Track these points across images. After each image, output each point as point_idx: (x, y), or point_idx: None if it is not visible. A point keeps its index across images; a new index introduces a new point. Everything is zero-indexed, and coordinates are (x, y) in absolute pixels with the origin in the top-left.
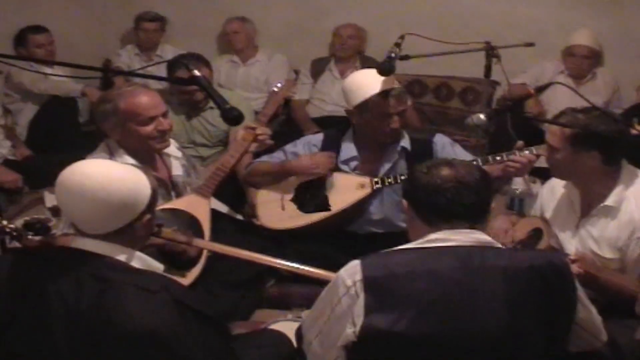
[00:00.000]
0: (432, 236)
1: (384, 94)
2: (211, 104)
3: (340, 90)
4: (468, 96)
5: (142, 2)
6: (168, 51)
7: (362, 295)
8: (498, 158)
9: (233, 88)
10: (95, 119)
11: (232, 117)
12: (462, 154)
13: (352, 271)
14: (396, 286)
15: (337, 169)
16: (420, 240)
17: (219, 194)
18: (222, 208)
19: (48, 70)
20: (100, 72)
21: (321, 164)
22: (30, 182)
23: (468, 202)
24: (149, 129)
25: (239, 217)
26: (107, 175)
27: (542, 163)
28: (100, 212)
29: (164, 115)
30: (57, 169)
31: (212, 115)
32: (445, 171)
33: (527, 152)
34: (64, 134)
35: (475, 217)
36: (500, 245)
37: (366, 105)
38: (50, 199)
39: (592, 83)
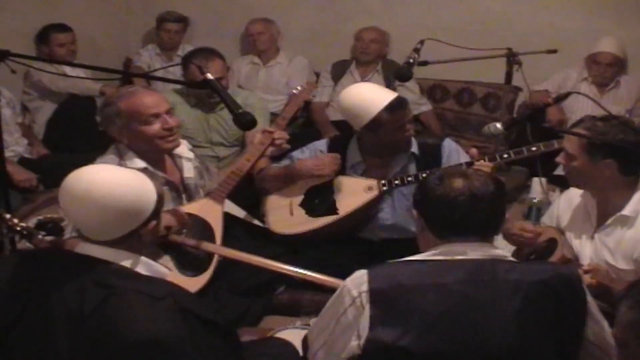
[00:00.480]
0: (442, 248)
1: (391, 107)
2: None
3: None
4: (489, 102)
5: (165, 2)
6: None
7: (367, 307)
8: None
9: (253, 89)
10: (102, 125)
11: (245, 121)
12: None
13: (358, 281)
14: (403, 299)
15: (343, 173)
16: (429, 252)
17: (237, 198)
18: (239, 213)
19: (68, 69)
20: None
21: (326, 165)
22: (46, 181)
23: (482, 217)
24: (155, 128)
25: (257, 222)
26: (112, 182)
27: (562, 171)
28: (106, 220)
29: (168, 112)
30: (73, 169)
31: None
32: (458, 183)
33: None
34: (81, 133)
35: (488, 231)
36: (511, 258)
37: (377, 123)
38: None
39: (615, 91)
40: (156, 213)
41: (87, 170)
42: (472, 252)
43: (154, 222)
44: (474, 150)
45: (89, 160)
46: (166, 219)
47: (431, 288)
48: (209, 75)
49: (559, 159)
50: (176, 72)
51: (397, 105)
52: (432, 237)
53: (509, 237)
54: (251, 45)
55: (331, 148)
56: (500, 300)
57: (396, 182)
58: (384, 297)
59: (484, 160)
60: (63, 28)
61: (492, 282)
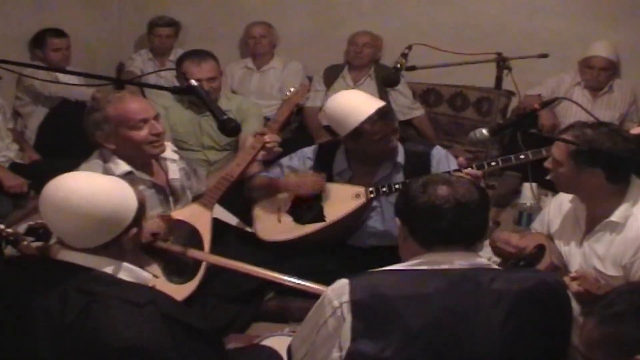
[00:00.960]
0: (425, 258)
1: (373, 119)
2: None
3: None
4: (483, 106)
5: (158, 7)
6: None
7: (348, 319)
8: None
9: (246, 94)
10: (87, 131)
11: (229, 128)
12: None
13: (339, 292)
14: (384, 310)
15: (331, 179)
16: (412, 262)
17: (229, 204)
18: (230, 219)
19: (60, 74)
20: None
21: (308, 186)
22: (37, 187)
23: (467, 225)
24: (143, 133)
25: (249, 229)
26: (91, 190)
27: None
28: (86, 227)
29: (156, 118)
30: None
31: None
32: (443, 190)
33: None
34: (73, 139)
35: (473, 239)
36: (495, 267)
37: (359, 133)
38: None
39: (608, 95)
40: (137, 220)
41: (66, 178)
42: (456, 261)
43: (134, 230)
44: (461, 159)
45: (79, 165)
46: (154, 225)
47: (413, 299)
48: (193, 82)
49: (547, 164)
50: (168, 76)
51: (380, 117)
52: (416, 246)
53: (493, 247)
54: (250, 48)
55: (319, 154)
56: (484, 311)
57: (383, 189)
58: (365, 308)
59: (472, 168)
60: (59, 33)
61: (475, 292)
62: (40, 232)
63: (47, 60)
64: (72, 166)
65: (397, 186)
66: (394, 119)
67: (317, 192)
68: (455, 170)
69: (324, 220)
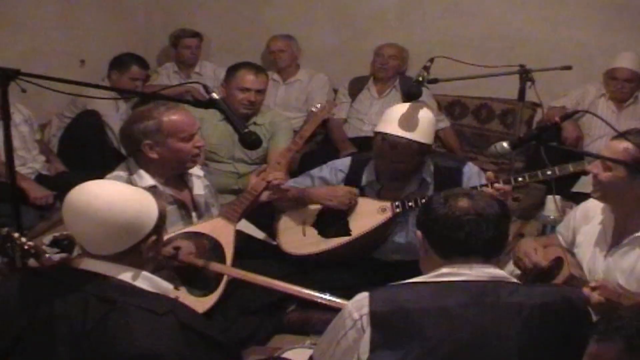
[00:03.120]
0: (445, 270)
1: (387, 138)
2: (255, 119)
3: (378, 110)
4: (507, 118)
5: (185, 20)
6: (207, 68)
7: (368, 330)
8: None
9: (272, 106)
10: (129, 138)
11: (250, 141)
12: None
13: (359, 304)
14: (404, 323)
15: (361, 191)
16: (431, 274)
17: (252, 220)
18: (259, 234)
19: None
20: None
21: (338, 198)
22: (62, 198)
23: (487, 237)
24: (189, 145)
25: (274, 242)
26: (113, 196)
27: (581, 188)
28: (106, 233)
29: (198, 132)
30: None
31: (256, 131)
32: (464, 203)
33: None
34: (93, 151)
35: (492, 252)
36: (515, 280)
37: (375, 138)
38: None
39: (634, 107)
40: (157, 229)
41: (90, 184)
42: (475, 273)
43: (154, 238)
44: (490, 174)
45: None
46: (180, 244)
47: (433, 311)
48: (215, 95)
49: (591, 168)
50: (192, 88)
51: (390, 145)
52: (436, 258)
53: (515, 258)
54: (272, 62)
55: (351, 168)
56: (502, 324)
57: (409, 204)
58: (384, 320)
59: (499, 184)
60: (143, 64)
61: (494, 306)
62: (65, 243)
63: (121, 84)
64: (98, 178)
65: (423, 201)
66: (402, 152)
67: (348, 206)
68: (483, 185)
69: (350, 234)
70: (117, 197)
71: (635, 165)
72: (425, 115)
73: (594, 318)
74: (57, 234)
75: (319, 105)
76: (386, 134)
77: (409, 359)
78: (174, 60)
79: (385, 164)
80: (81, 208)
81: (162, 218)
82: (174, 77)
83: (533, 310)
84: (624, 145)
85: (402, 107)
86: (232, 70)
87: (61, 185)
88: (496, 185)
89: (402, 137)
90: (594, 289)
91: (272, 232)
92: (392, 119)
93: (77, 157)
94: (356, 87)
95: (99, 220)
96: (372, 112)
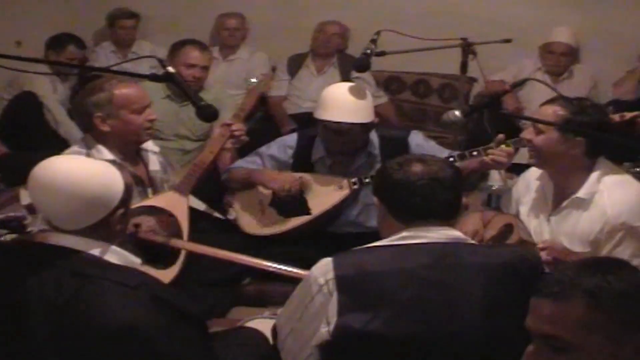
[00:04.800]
0: (405, 233)
1: (330, 125)
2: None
3: (317, 87)
4: (445, 93)
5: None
6: (144, 47)
7: (335, 294)
8: (475, 153)
9: (211, 83)
10: (81, 111)
11: (207, 113)
12: (438, 151)
13: (324, 269)
14: (369, 285)
15: (311, 167)
16: (392, 238)
17: (196, 191)
18: (200, 206)
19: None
20: (78, 69)
21: (279, 182)
22: (6, 180)
23: (442, 199)
24: (141, 118)
25: (217, 214)
26: (78, 171)
27: (520, 159)
28: (73, 207)
29: (150, 106)
30: (33, 167)
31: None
32: (417, 167)
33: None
34: (33, 132)
35: (449, 214)
36: (473, 241)
37: (320, 123)
38: (25, 197)
39: (569, 80)
40: (124, 202)
41: (54, 160)
42: (435, 235)
43: (121, 211)
44: (501, 136)
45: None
46: (141, 220)
47: (397, 273)
48: (171, 69)
49: (526, 134)
50: (131, 69)
51: (335, 131)
52: (395, 222)
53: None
54: (223, 39)
55: (300, 143)
56: (465, 283)
57: (366, 180)
58: (350, 284)
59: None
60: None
61: (456, 266)
62: (13, 224)
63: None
64: (41, 158)
65: None
66: (349, 134)
67: (287, 192)
68: (487, 148)
69: (310, 213)
70: (83, 171)
71: (565, 124)
72: (362, 94)
73: None
74: (2, 216)
75: (255, 79)
76: (327, 121)
77: (377, 320)
78: (111, 39)
79: (332, 145)
80: (47, 184)
81: (128, 191)
82: (111, 56)
83: (493, 269)
84: (553, 108)
85: (338, 90)
86: (177, 47)
87: (4, 166)
88: (499, 148)
89: (344, 123)
90: (542, 249)
91: (222, 207)
92: (330, 105)
93: (17, 139)
94: (295, 64)
95: (66, 195)
96: (311, 89)
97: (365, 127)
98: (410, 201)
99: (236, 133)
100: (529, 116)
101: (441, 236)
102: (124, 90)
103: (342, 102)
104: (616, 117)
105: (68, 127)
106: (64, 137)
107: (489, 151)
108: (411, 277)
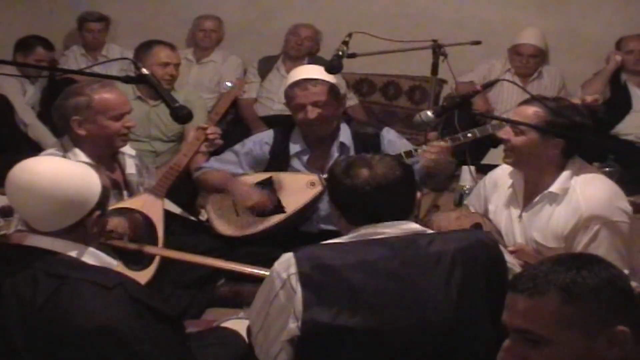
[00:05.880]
0: (362, 230)
1: (295, 84)
2: None
3: None
4: (415, 95)
5: (89, 3)
6: (114, 50)
7: (299, 290)
8: (419, 151)
9: (184, 86)
10: (59, 113)
11: (181, 115)
12: (409, 147)
13: (286, 264)
14: (332, 279)
15: (287, 163)
16: (351, 234)
17: (171, 194)
18: (175, 209)
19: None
20: (48, 72)
21: (251, 201)
22: None
23: (391, 204)
24: (119, 125)
25: (192, 218)
26: (55, 172)
27: (490, 160)
28: (50, 209)
29: (129, 113)
30: (4, 170)
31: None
32: (364, 173)
33: (442, 141)
34: (4, 135)
35: (401, 214)
36: (430, 231)
37: (287, 97)
38: None
39: (538, 81)
40: (100, 204)
41: (31, 161)
42: (392, 230)
43: (98, 213)
44: (434, 134)
45: (20, 162)
46: (114, 224)
47: (358, 267)
48: (145, 70)
49: (503, 134)
50: (101, 72)
51: (304, 83)
52: (349, 225)
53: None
54: (199, 40)
55: (277, 139)
56: (426, 273)
57: None
58: (313, 279)
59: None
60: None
61: (415, 256)
62: None
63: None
64: (14, 161)
65: None
66: (319, 94)
67: (252, 209)
68: (420, 145)
69: (284, 212)
70: (60, 172)
71: (546, 127)
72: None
73: (507, 258)
74: None
75: (229, 83)
76: (298, 80)
77: (343, 314)
78: (80, 43)
79: (300, 117)
80: (24, 185)
81: (105, 193)
82: (81, 59)
83: (452, 256)
84: (533, 109)
85: (303, 67)
86: (145, 49)
87: None
88: (433, 143)
89: (312, 79)
90: (512, 252)
91: (194, 209)
92: (298, 72)
93: None
94: (265, 67)
95: (43, 196)
96: (281, 92)
97: (334, 90)
98: (359, 207)
99: (211, 136)
100: (502, 116)
101: (398, 230)
102: (104, 96)
103: (311, 68)
104: (577, 100)
105: (37, 130)
106: (33, 139)
107: (422, 147)
108: (372, 270)
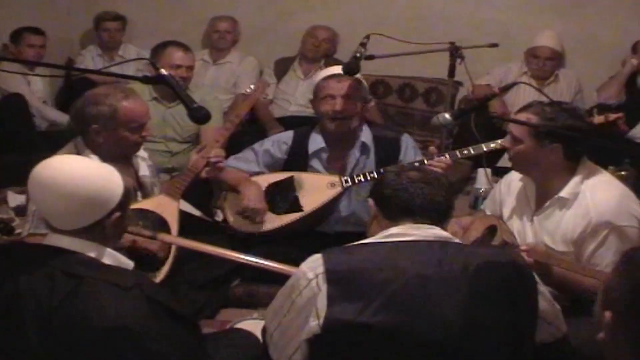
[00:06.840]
0: (393, 230)
1: (331, 76)
2: None
3: (304, 90)
4: (431, 97)
5: (107, 3)
6: (130, 51)
7: (324, 288)
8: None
9: (200, 87)
10: (79, 118)
11: (200, 116)
12: (419, 158)
13: (314, 265)
14: (358, 278)
15: (306, 163)
16: (380, 235)
17: (187, 195)
18: (192, 210)
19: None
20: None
21: (251, 206)
22: None
23: (433, 203)
24: (136, 136)
25: (204, 217)
26: (79, 170)
27: (506, 163)
28: (71, 207)
29: (147, 122)
30: (20, 169)
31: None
32: (413, 173)
33: (442, 157)
34: (19, 134)
35: (438, 217)
36: (458, 241)
37: (315, 92)
38: (13, 199)
39: (554, 85)
40: (121, 205)
41: (55, 159)
42: (422, 233)
43: (118, 214)
44: (432, 148)
45: (36, 161)
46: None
47: (384, 268)
48: (163, 71)
49: (504, 143)
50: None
51: (333, 76)
52: (384, 221)
53: None
54: (214, 41)
55: (296, 139)
56: (450, 280)
57: (358, 178)
58: (340, 276)
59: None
60: (36, 30)
61: (443, 263)
62: (1, 226)
63: (21, 56)
64: (27, 162)
65: (371, 175)
66: (345, 87)
67: (246, 213)
68: (421, 159)
69: (301, 210)
70: (83, 171)
71: (538, 131)
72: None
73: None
74: None
75: (252, 87)
76: (335, 73)
77: (367, 311)
78: (97, 42)
79: (324, 105)
80: (46, 182)
81: (127, 195)
82: (97, 59)
83: (478, 268)
84: (526, 116)
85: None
86: (159, 49)
87: None
88: (437, 158)
89: (340, 74)
90: (524, 251)
91: (209, 210)
92: (335, 69)
93: (4, 142)
94: (282, 68)
95: (64, 193)
96: (297, 93)
97: (359, 88)
98: (400, 197)
99: (213, 160)
100: (517, 119)
101: (428, 234)
102: (127, 106)
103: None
104: (601, 118)
105: (45, 111)
106: (48, 120)
107: (428, 162)
108: (399, 271)
